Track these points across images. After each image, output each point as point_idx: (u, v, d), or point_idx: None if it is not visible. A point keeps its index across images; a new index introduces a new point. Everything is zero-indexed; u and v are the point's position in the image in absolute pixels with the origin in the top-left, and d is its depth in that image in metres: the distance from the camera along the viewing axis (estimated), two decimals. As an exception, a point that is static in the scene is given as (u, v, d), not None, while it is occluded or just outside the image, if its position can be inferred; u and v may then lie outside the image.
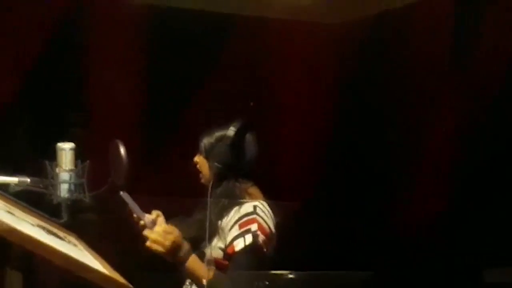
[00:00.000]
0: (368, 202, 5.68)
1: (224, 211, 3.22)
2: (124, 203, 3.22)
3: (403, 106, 5.58)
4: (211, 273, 3.10)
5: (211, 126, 3.31)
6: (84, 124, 5.18)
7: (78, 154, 2.92)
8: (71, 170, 2.88)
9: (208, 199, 3.18)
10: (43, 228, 2.70)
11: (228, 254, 3.17)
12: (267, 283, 2.69)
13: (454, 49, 5.35)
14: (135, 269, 3.06)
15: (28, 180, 2.88)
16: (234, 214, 3.20)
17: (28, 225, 2.63)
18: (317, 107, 5.78)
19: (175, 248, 3.08)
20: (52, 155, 2.91)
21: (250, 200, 3.24)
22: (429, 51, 5.42)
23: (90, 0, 5.32)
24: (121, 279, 2.69)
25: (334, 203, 5.77)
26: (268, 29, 5.67)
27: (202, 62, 5.50)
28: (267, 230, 3.19)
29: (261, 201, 3.25)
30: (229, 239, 3.17)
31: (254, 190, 3.29)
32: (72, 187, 2.87)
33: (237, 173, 3.26)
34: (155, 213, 3.31)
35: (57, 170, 2.88)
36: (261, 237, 3.17)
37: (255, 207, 3.21)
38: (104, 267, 2.70)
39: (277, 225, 3.24)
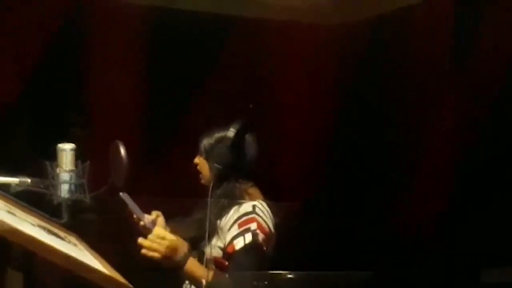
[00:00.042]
0: (368, 202, 5.68)
1: (223, 211, 3.23)
2: (124, 204, 3.23)
3: (403, 106, 5.58)
4: (211, 275, 3.11)
5: (211, 127, 3.32)
6: (85, 124, 5.18)
7: (79, 155, 2.93)
8: (71, 171, 2.89)
9: (209, 199, 3.19)
10: (44, 228, 2.71)
11: (228, 253, 3.18)
12: (266, 283, 2.69)
13: (454, 49, 5.35)
14: (135, 269, 3.06)
15: (29, 180, 2.89)
16: (233, 214, 3.22)
17: (28, 225, 2.63)
18: (317, 108, 5.78)
19: (171, 253, 3.10)
20: (53, 156, 2.92)
21: (249, 200, 3.25)
22: (429, 51, 5.42)
23: (90, 0, 5.31)
24: (121, 279, 2.69)
25: (334, 203, 5.77)
26: (269, 30, 5.67)
27: (203, 63, 5.50)
28: (267, 229, 3.21)
29: (260, 201, 3.26)
30: (228, 238, 3.18)
31: (253, 190, 3.30)
32: (73, 187, 2.88)
33: (237, 174, 3.27)
34: (155, 213, 3.33)
35: (57, 170, 2.89)
36: (261, 236, 3.18)
37: (254, 206, 3.22)
38: (104, 267, 2.71)
39: (276, 225, 3.25)
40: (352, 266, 2.95)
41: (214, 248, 3.20)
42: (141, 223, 3.28)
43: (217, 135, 3.29)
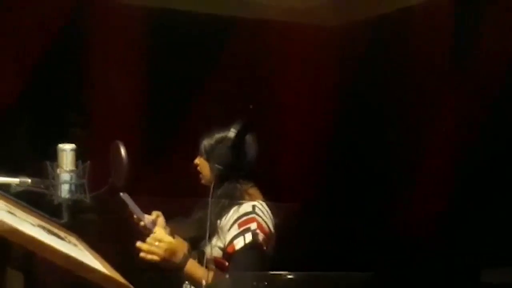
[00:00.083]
0: (368, 202, 5.68)
1: (223, 211, 3.24)
2: (124, 204, 3.23)
3: (403, 106, 5.58)
4: (211, 276, 3.12)
5: (211, 127, 3.32)
6: (85, 124, 5.19)
7: (79, 155, 2.93)
8: (71, 171, 2.89)
9: (210, 199, 3.19)
10: (44, 228, 2.71)
11: (228, 253, 3.18)
12: (266, 283, 2.69)
13: (454, 49, 5.35)
14: (135, 269, 3.07)
15: (29, 180, 2.89)
16: (233, 214, 3.22)
17: (29, 225, 2.63)
18: (317, 108, 5.78)
19: (169, 255, 3.11)
20: (53, 156, 2.92)
21: (249, 200, 3.26)
22: (429, 51, 5.42)
23: (90, 1, 5.32)
24: (121, 279, 2.69)
25: (334, 204, 5.77)
26: (269, 31, 5.68)
27: (203, 64, 5.50)
28: (267, 229, 3.21)
29: (260, 201, 3.27)
30: (228, 238, 3.19)
31: (254, 190, 3.31)
32: (73, 187, 2.88)
33: (238, 174, 3.28)
34: (155, 213, 3.34)
35: (58, 170, 2.89)
36: (261, 236, 3.18)
37: (254, 206, 3.22)
38: (104, 267, 2.71)
39: (276, 226, 3.26)
40: (352, 266, 2.95)
41: (214, 248, 3.21)
42: (141, 223, 3.29)
43: (218, 135, 3.30)
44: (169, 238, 3.14)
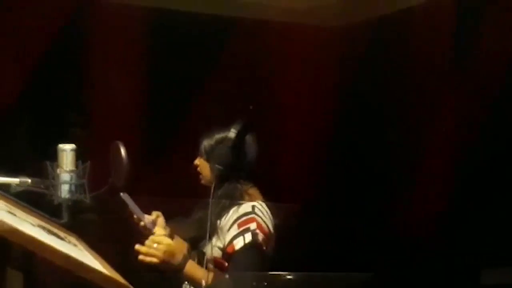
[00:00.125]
0: (368, 202, 5.68)
1: (223, 211, 3.24)
2: (125, 204, 3.24)
3: (403, 106, 5.58)
4: (211, 276, 3.12)
5: (211, 127, 3.32)
6: (85, 125, 5.19)
7: (79, 155, 2.93)
8: (71, 171, 2.89)
9: (210, 199, 3.19)
10: (44, 228, 2.71)
11: (228, 253, 3.18)
12: (265, 284, 2.69)
13: (455, 49, 5.36)
14: (135, 269, 3.07)
15: (29, 180, 2.89)
16: (232, 214, 3.22)
17: (29, 225, 2.63)
18: (317, 109, 5.78)
19: (168, 257, 3.11)
20: (53, 156, 2.92)
21: (249, 201, 3.26)
22: (429, 51, 5.42)
23: (90, 1, 5.31)
24: (121, 279, 2.69)
25: (334, 204, 5.77)
26: (270, 32, 5.68)
27: (204, 65, 5.50)
28: (266, 229, 3.21)
29: (260, 202, 3.27)
30: (228, 238, 3.19)
31: (253, 191, 3.31)
32: (73, 187, 2.88)
33: (238, 174, 3.28)
34: (155, 214, 3.34)
35: (58, 171, 2.89)
36: (261, 236, 3.19)
37: (253, 207, 3.23)
38: (104, 267, 2.71)
39: (275, 226, 3.26)
40: (352, 267, 2.96)
41: (214, 248, 3.21)
42: (141, 223, 3.29)
43: (218, 136, 3.30)
44: (167, 240, 3.14)
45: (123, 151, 2.98)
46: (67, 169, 2.89)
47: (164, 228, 3.29)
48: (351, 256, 5.23)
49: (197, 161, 3.35)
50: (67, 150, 2.91)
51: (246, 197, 3.27)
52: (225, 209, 3.24)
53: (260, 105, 3.58)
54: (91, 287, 2.58)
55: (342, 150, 5.86)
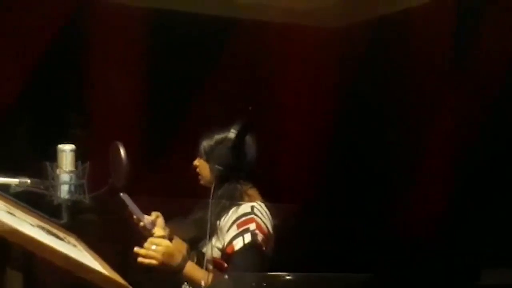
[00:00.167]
0: (368, 202, 5.68)
1: (222, 211, 3.24)
2: (124, 205, 3.24)
3: (403, 106, 5.58)
4: (210, 277, 3.12)
5: (211, 128, 3.32)
6: (85, 125, 5.19)
7: (79, 156, 2.93)
8: (71, 172, 2.89)
9: (210, 200, 3.19)
10: (43, 229, 2.71)
11: (227, 254, 3.18)
12: (265, 284, 2.69)
13: (455, 49, 5.36)
14: (134, 270, 3.07)
15: (29, 181, 2.89)
16: (232, 215, 3.22)
17: (28, 226, 2.63)
18: (317, 109, 5.78)
19: (167, 259, 3.11)
20: (53, 156, 2.92)
21: (248, 201, 3.26)
22: (429, 51, 5.42)
23: (90, 1, 5.31)
24: (121, 280, 2.69)
25: (334, 204, 5.77)
26: (270, 32, 5.68)
27: (204, 65, 5.50)
28: (265, 230, 3.21)
29: (259, 202, 3.27)
30: (227, 239, 3.19)
31: (252, 191, 3.31)
32: (72, 188, 2.88)
33: (238, 175, 3.28)
34: (154, 214, 3.34)
35: (57, 171, 2.89)
36: (260, 236, 3.19)
37: (252, 207, 3.23)
38: (103, 267, 2.71)
39: (274, 227, 3.26)
40: (352, 267, 2.96)
41: (213, 248, 3.21)
42: (141, 223, 3.29)
43: (217, 136, 3.30)
44: (166, 242, 3.15)
45: (122, 151, 2.98)
46: (67, 169, 2.89)
47: (164, 228, 3.30)
48: (351, 256, 5.23)
49: (196, 162, 3.35)
50: (66, 150, 2.91)
51: (246, 198, 3.27)
52: (224, 210, 3.24)
53: (260, 106, 3.58)
54: (90, 288, 2.58)
55: (342, 150, 5.86)
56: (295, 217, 4.66)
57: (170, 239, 3.28)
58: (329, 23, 5.93)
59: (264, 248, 3.20)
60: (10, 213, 2.67)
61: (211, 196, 3.19)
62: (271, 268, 2.99)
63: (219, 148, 3.26)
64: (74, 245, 2.83)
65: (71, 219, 2.86)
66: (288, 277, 2.72)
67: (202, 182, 3.35)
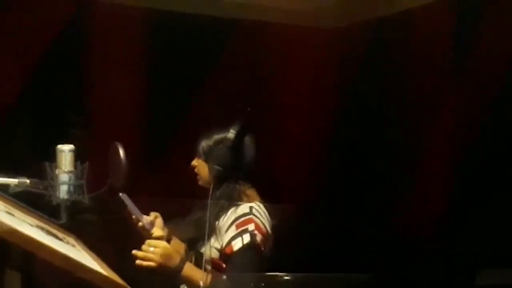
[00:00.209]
0: (368, 202, 5.68)
1: (221, 212, 3.24)
2: (123, 205, 3.24)
3: (403, 106, 5.58)
4: (209, 278, 3.12)
5: (210, 128, 3.33)
6: (84, 125, 5.19)
7: (78, 156, 2.93)
8: (70, 172, 2.89)
9: (209, 200, 3.20)
10: (42, 229, 2.71)
11: (226, 254, 3.18)
12: (263, 284, 2.69)
13: (455, 49, 5.35)
14: (133, 270, 3.07)
15: (28, 181, 2.89)
16: (230, 215, 3.23)
17: (27, 226, 2.63)
18: (317, 109, 5.79)
19: (166, 260, 3.12)
20: (52, 157, 2.92)
21: (246, 202, 3.26)
22: (430, 51, 5.42)
23: (91, 1, 5.31)
24: (120, 280, 2.69)
25: (334, 204, 5.77)
26: (270, 33, 5.68)
27: (204, 66, 5.50)
28: (264, 230, 3.22)
29: (257, 203, 3.27)
30: (226, 239, 3.19)
31: (251, 192, 3.31)
32: (72, 188, 2.88)
33: (237, 175, 3.28)
34: (153, 214, 3.34)
35: (56, 171, 2.89)
36: (259, 237, 3.19)
37: (251, 208, 3.23)
38: (102, 268, 2.71)
39: (273, 227, 3.26)
40: (352, 267, 2.95)
41: (211, 249, 3.21)
42: (140, 224, 3.29)
43: (216, 137, 3.30)
44: (163, 243, 3.15)
45: (121, 152, 2.98)
46: (66, 169, 2.88)
47: (162, 229, 3.30)
48: (351, 256, 5.23)
49: (194, 162, 3.35)
50: (65, 150, 2.91)
51: (244, 198, 3.27)
52: (223, 210, 3.24)
53: (260, 106, 3.58)
54: (89, 288, 2.58)
55: (342, 150, 5.86)
56: (294, 217, 4.66)
57: (169, 240, 3.29)
58: (329, 23, 5.93)
59: (263, 249, 3.20)
60: (9, 213, 2.67)
61: (209, 196, 3.19)
62: (271, 268, 2.98)
63: (218, 149, 3.26)
64: (73, 245, 2.83)
65: (70, 219, 2.86)
66: (286, 278, 2.72)
67: (200, 182, 3.35)
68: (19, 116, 5.16)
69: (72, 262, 2.54)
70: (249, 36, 5.64)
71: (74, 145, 2.94)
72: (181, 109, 5.42)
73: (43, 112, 5.21)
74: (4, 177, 2.87)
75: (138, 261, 3.12)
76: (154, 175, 5.04)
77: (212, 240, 3.23)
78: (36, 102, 5.19)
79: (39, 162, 2.93)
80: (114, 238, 4.26)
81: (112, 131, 4.66)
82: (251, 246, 3.16)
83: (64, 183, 2.87)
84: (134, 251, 3.12)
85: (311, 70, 5.76)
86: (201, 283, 3.11)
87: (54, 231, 2.79)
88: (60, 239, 2.75)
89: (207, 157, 3.30)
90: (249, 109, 3.31)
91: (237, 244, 3.16)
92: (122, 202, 3.24)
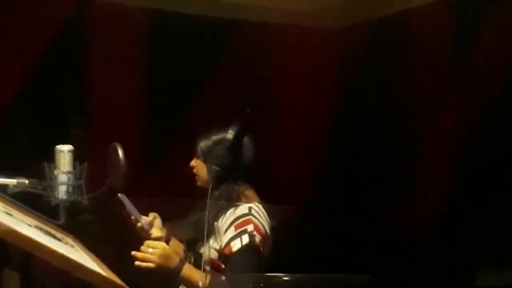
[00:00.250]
0: (368, 202, 5.68)
1: (220, 212, 3.24)
2: (122, 205, 3.24)
3: (403, 106, 5.58)
4: (208, 279, 3.12)
5: (209, 129, 3.32)
6: (83, 126, 5.19)
7: (77, 156, 2.93)
8: (69, 172, 2.89)
9: (208, 201, 3.19)
10: (41, 229, 2.71)
11: (225, 255, 3.18)
12: (262, 285, 2.69)
13: (455, 49, 5.35)
14: (132, 271, 3.07)
15: (27, 181, 2.89)
16: (229, 216, 3.22)
17: (26, 226, 2.63)
18: (317, 109, 5.79)
19: (164, 261, 3.12)
20: (51, 157, 2.92)
21: (245, 202, 3.26)
22: (430, 51, 5.42)
23: (91, 1, 5.31)
24: (118, 280, 2.69)
25: (334, 204, 5.77)
26: (270, 34, 5.68)
27: (205, 66, 5.50)
28: (263, 231, 3.22)
29: (256, 203, 3.27)
30: (225, 240, 3.19)
31: (250, 192, 3.31)
32: (70, 188, 2.88)
33: (235, 176, 3.28)
34: (152, 215, 3.34)
35: (55, 172, 2.89)
36: (258, 237, 3.19)
37: (250, 208, 3.23)
38: (101, 268, 2.71)
39: (272, 228, 3.26)
40: (352, 267, 2.95)
41: (210, 249, 3.21)
42: (139, 224, 3.29)
43: (215, 137, 3.30)
44: (162, 244, 3.15)
45: (120, 152, 2.98)
46: (65, 170, 2.89)
47: (161, 229, 3.30)
48: (351, 257, 5.23)
49: (193, 162, 3.35)
50: (64, 151, 2.91)
51: (243, 199, 3.27)
52: (222, 211, 3.24)
53: (260, 106, 3.58)
54: (88, 288, 2.58)
55: (342, 150, 5.86)
56: (294, 218, 4.66)
57: (168, 240, 3.29)
58: (329, 23, 5.93)
59: (262, 249, 3.20)
60: (8, 214, 2.68)
61: (208, 197, 3.19)
62: (270, 269, 2.98)
63: (216, 149, 3.26)
64: (72, 246, 2.83)
65: (68, 219, 2.86)
66: (286, 278, 2.71)
67: (199, 183, 3.34)
68: (19, 116, 5.16)
69: (70, 262, 2.54)
70: (249, 36, 5.64)
71: (73, 145, 2.94)
72: (180, 109, 5.42)
73: (42, 112, 5.21)
74: (3, 177, 2.87)
75: (137, 262, 3.12)
76: (153, 176, 5.04)
77: (211, 240, 3.22)
78: (36, 102, 5.19)
79: (38, 163, 2.93)
80: (113, 239, 4.26)
81: (111, 132, 4.64)
82: (250, 247, 3.16)
83: (63, 183, 2.88)
84: (133, 252, 3.13)
85: (311, 70, 5.76)
86: (200, 284, 3.11)
87: (53, 232, 2.79)
88: (58, 240, 2.75)
89: (206, 158, 3.29)
90: (248, 109, 3.30)
91: (236, 245, 3.16)
92: (121, 202, 3.24)
